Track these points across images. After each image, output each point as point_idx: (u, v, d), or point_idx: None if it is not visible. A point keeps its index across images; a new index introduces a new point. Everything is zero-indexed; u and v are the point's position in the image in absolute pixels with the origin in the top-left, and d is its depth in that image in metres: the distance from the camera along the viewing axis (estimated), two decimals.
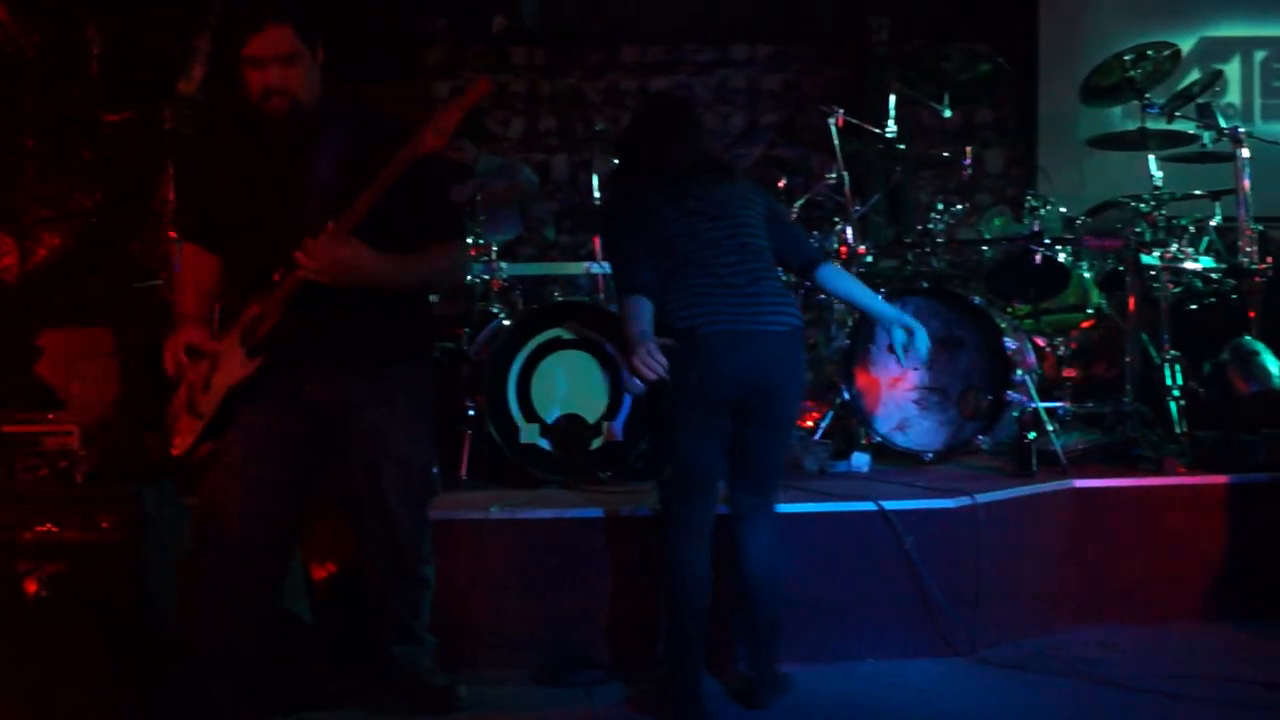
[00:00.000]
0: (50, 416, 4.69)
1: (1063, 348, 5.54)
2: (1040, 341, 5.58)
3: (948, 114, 5.82)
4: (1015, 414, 4.97)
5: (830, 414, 5.29)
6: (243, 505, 3.31)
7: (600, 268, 5.32)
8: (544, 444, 4.73)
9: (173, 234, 4.86)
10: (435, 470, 4.46)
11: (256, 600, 3.41)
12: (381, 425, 3.39)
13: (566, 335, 4.77)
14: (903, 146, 5.74)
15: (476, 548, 4.15)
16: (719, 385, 3.55)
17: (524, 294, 5.42)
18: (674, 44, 7.21)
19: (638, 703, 3.90)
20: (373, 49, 6.31)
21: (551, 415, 4.74)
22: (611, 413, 4.81)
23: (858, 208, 5.65)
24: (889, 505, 4.27)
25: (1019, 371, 5.02)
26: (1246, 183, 5.43)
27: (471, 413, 4.74)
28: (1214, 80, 5.90)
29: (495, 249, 5.18)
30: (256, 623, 3.44)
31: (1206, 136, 5.69)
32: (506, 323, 4.89)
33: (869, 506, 4.29)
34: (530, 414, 4.72)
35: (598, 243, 5.48)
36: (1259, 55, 7.47)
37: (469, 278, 5.04)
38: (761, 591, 3.78)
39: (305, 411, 3.35)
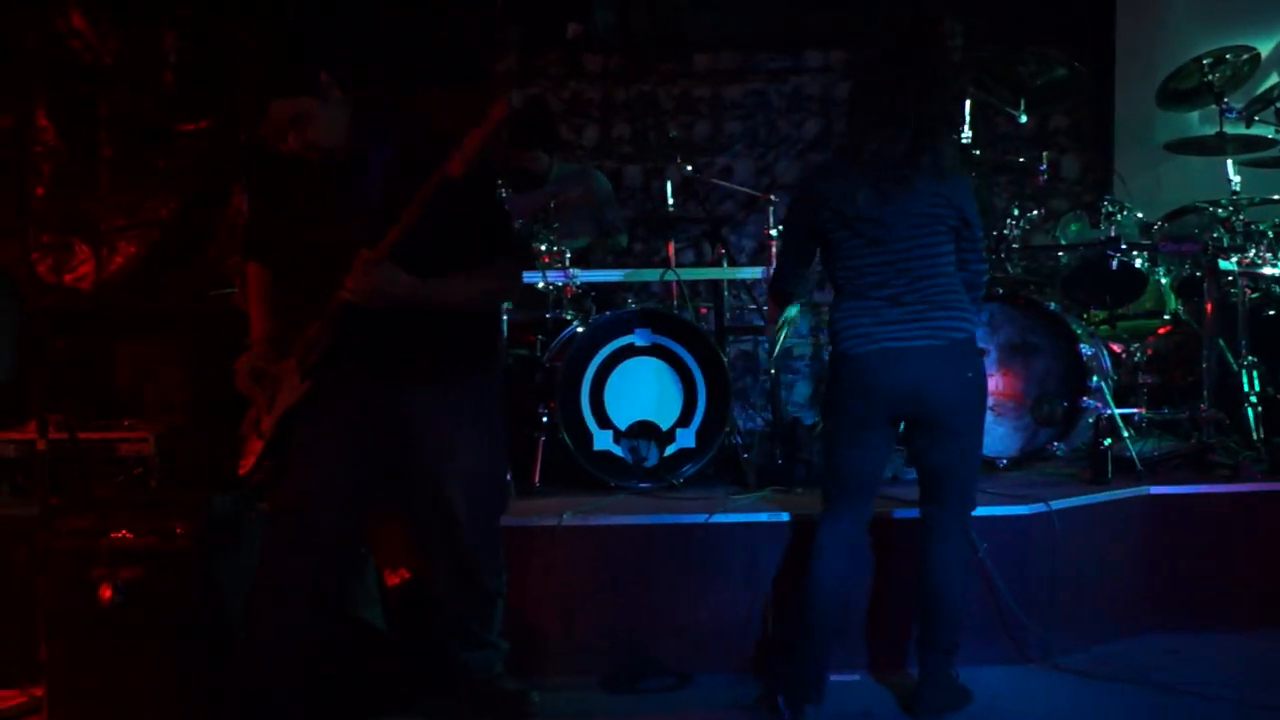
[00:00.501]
0: (126, 424, 4.81)
1: (1139, 354, 5.49)
2: (1116, 348, 5.54)
3: (1023, 119, 5.79)
4: (1091, 420, 4.94)
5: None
6: (308, 517, 3.37)
7: (673, 274, 5.35)
8: (618, 450, 4.78)
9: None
10: (508, 478, 4.54)
11: (320, 608, 3.47)
12: (448, 437, 3.42)
13: (640, 342, 4.82)
14: (978, 152, 5.71)
15: (549, 555, 4.19)
16: (864, 400, 3.62)
17: (597, 301, 5.46)
18: (747, 51, 7.23)
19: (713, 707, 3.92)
20: (447, 56, 6.38)
21: (625, 422, 4.79)
22: (685, 420, 4.85)
23: None
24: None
25: (1094, 378, 4.99)
26: None
27: (545, 419, 4.79)
28: None
29: (569, 255, 5.22)
30: (321, 631, 3.49)
31: None
32: (580, 329, 4.94)
33: None
34: (603, 420, 4.78)
35: (670, 249, 5.51)
36: None
37: (542, 285, 5.10)
38: (938, 602, 3.75)
39: (369, 426, 3.39)
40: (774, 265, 3.99)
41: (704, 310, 5.96)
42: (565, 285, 5.18)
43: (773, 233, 5.27)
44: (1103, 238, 5.41)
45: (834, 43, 7.23)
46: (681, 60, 7.23)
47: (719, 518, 4.25)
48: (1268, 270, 5.37)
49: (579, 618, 4.22)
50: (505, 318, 4.83)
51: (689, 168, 5.44)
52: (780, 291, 4.17)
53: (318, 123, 3.25)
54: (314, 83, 3.22)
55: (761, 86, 7.20)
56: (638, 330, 4.83)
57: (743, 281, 5.75)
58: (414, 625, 4.00)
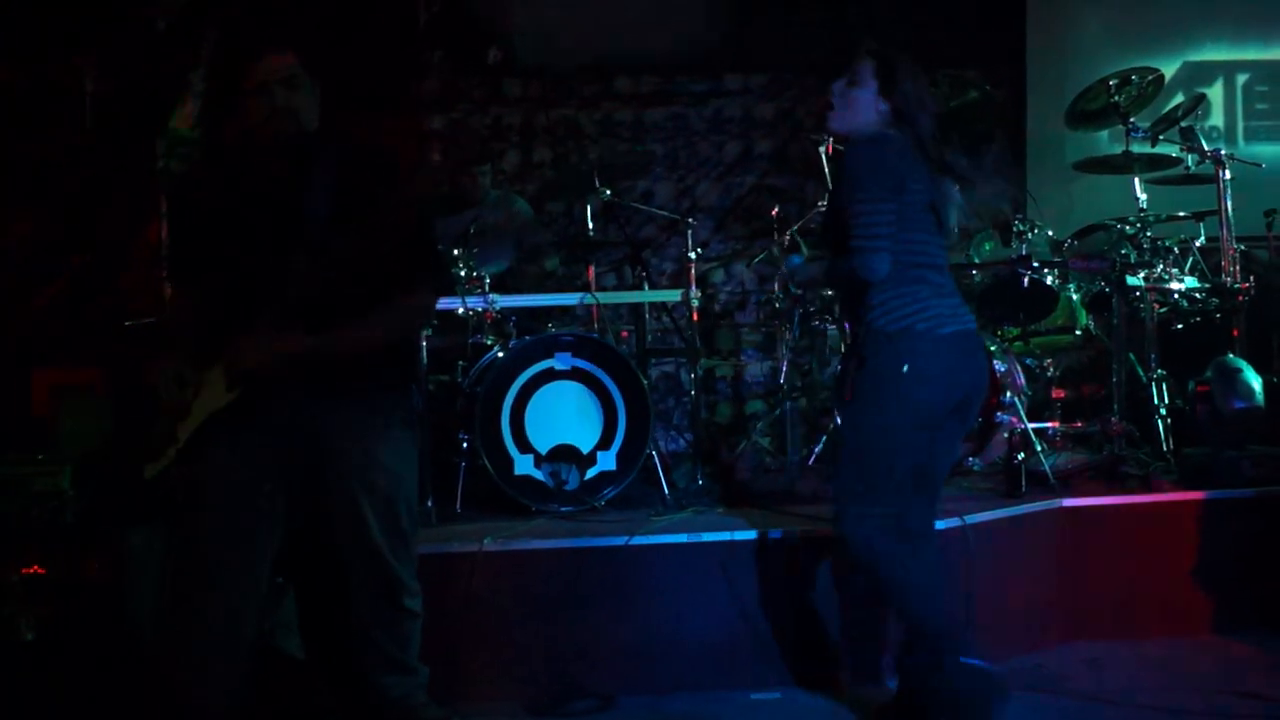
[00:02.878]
0: (40, 457, 4.73)
1: (1052, 369, 5.60)
2: (1029, 364, 5.63)
3: None
4: (1005, 435, 5.02)
5: (824, 438, 5.35)
6: (218, 541, 3.33)
7: (593, 298, 5.37)
8: (538, 475, 4.78)
9: (164, 273, 4.90)
10: (429, 504, 4.53)
11: (235, 636, 3.42)
12: (364, 457, 3.39)
13: (560, 366, 4.84)
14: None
15: (470, 580, 4.17)
16: (945, 384, 3.52)
17: (518, 326, 5.47)
18: (667, 74, 7.28)
19: None
20: (369, 80, 6.37)
21: (546, 446, 4.80)
22: (606, 442, 4.87)
23: None
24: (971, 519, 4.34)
25: (1008, 393, 5.08)
26: (1229, 204, 5.51)
27: (465, 445, 4.78)
28: (1197, 104, 5.97)
29: (489, 281, 5.23)
30: (236, 659, 3.44)
31: (1190, 159, 5.75)
32: (500, 355, 4.94)
33: (954, 522, 4.33)
34: (524, 445, 4.78)
35: (591, 273, 5.53)
36: (1241, 78, 7.54)
37: (461, 310, 5.10)
38: None
39: (286, 445, 3.36)
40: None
41: (625, 334, 5.99)
42: (485, 310, 5.18)
43: (692, 255, 5.31)
44: (1014, 256, 5.51)
45: (754, 66, 7.29)
46: (603, 83, 7.26)
47: (639, 539, 4.27)
48: (1174, 285, 5.49)
49: (501, 642, 4.20)
50: (424, 344, 4.82)
51: (608, 192, 5.44)
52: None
53: (305, 94, 3.25)
54: (312, 61, 3.24)
55: (683, 109, 7.25)
56: (557, 354, 4.84)
57: (664, 304, 5.77)
58: (333, 652, 3.98)
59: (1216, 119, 7.50)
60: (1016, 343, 5.69)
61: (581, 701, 4.12)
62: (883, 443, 3.47)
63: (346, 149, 3.39)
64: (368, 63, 6.41)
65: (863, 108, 3.52)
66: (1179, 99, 6.41)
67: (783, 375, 5.81)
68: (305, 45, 3.27)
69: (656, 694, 4.18)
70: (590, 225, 5.58)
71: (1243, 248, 5.58)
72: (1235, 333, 5.46)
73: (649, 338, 5.90)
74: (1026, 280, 5.39)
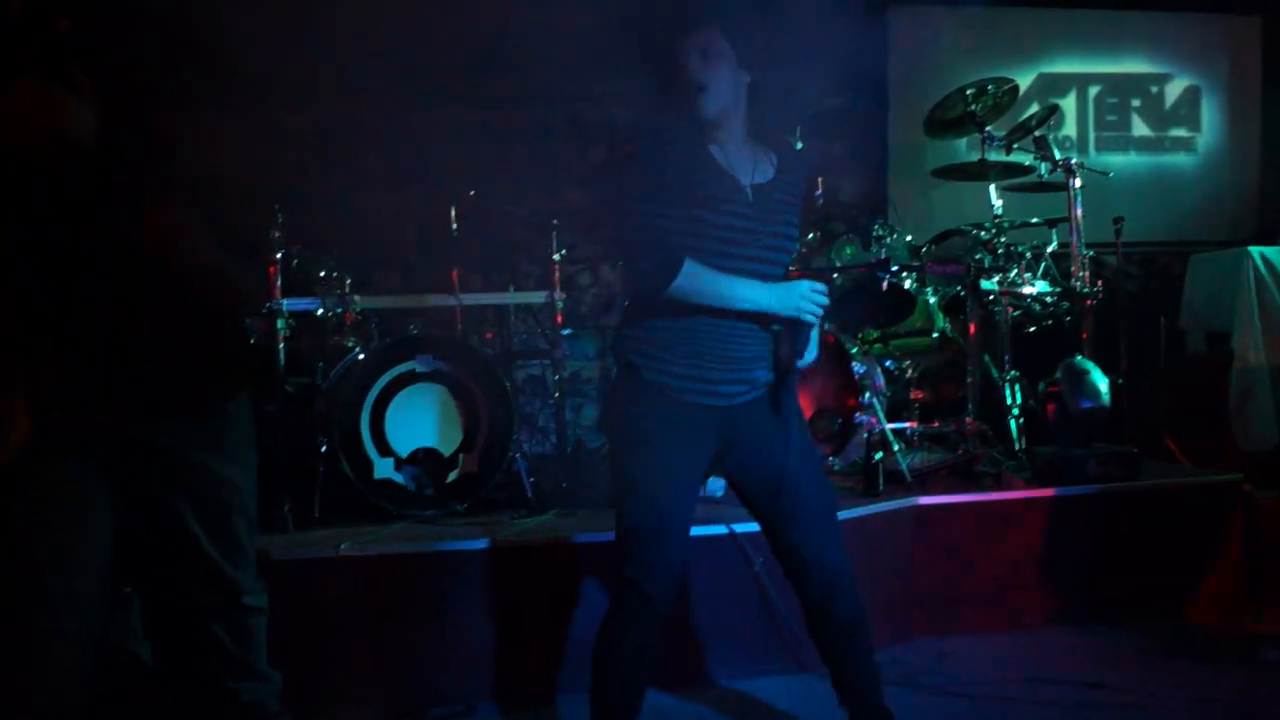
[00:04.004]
0: None
1: (910, 370, 5.70)
2: (889, 365, 5.73)
3: (799, 146, 5.95)
4: (864, 435, 5.11)
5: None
6: (49, 563, 3.21)
7: (456, 300, 5.33)
8: (399, 478, 4.73)
9: None
10: (286, 509, 4.45)
11: (71, 658, 3.30)
12: (195, 461, 3.29)
13: (421, 369, 4.80)
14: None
15: (328, 586, 4.12)
16: None
17: (380, 327, 5.41)
18: (534, 77, 7.23)
19: None
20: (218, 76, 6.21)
21: (407, 449, 4.75)
22: (468, 445, 4.84)
23: None
24: (739, 528, 4.35)
25: (867, 394, 5.17)
26: (1079, 211, 5.67)
27: (324, 449, 4.72)
28: (1050, 114, 6.14)
29: (349, 281, 5.17)
30: (74, 680, 3.33)
31: (1043, 167, 5.91)
32: (361, 356, 4.88)
33: (720, 530, 4.37)
34: (384, 448, 4.73)
35: (455, 275, 5.49)
36: (1093, 90, 7.77)
37: (321, 311, 5.03)
38: None
39: (111, 456, 3.26)
40: None
41: (490, 335, 5.97)
42: (345, 312, 5.12)
43: (556, 257, 5.31)
44: (874, 260, 5.61)
45: (618, 72, 7.28)
46: (470, 86, 7.20)
47: (500, 543, 4.25)
48: (1027, 289, 5.64)
49: (361, 649, 4.14)
50: (282, 346, 4.75)
51: (472, 192, 5.42)
52: None
53: (68, 111, 3.11)
54: (66, 73, 3.09)
55: (547, 113, 7.21)
56: (419, 356, 4.80)
57: (529, 306, 5.76)
58: (180, 658, 3.88)
59: (1069, 129, 7.72)
60: (876, 345, 5.78)
61: (442, 709, 4.11)
62: None
63: (157, 152, 3.27)
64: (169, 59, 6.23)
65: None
66: (1034, 109, 6.60)
67: None
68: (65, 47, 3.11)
69: (517, 700, 4.17)
70: (455, 226, 5.54)
71: (1092, 253, 5.73)
72: (1084, 335, 5.62)
73: (514, 340, 5.89)
74: (885, 284, 5.49)
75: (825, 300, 3.11)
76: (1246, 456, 5.68)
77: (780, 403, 3.22)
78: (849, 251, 6.01)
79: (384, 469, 4.73)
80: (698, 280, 2.97)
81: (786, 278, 3.18)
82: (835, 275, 5.78)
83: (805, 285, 3.09)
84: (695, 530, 4.22)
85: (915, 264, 5.69)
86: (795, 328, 3.14)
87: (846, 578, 3.30)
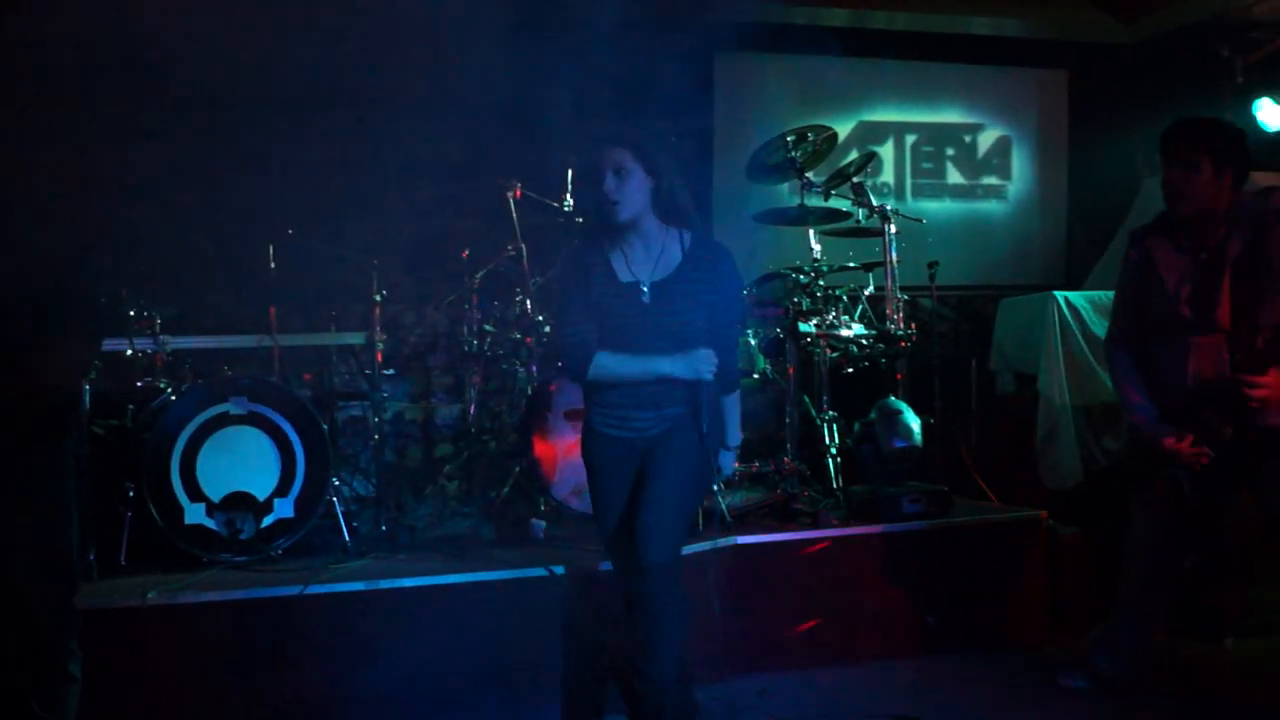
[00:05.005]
0: None
1: None
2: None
3: None
4: None
5: (511, 481, 5.36)
6: None
7: (272, 340, 5.24)
8: (211, 524, 4.62)
9: None
10: (91, 557, 4.31)
11: None
12: (10, 515, 3.20)
13: (235, 411, 4.69)
14: (581, 220, 5.88)
15: (134, 636, 4.01)
16: None
17: (195, 369, 5.28)
18: (361, 111, 7.15)
19: None
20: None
21: (219, 494, 4.64)
22: (283, 489, 4.75)
23: (537, 279, 5.77)
24: (560, 570, 4.35)
25: None
26: (894, 255, 5.84)
27: (131, 494, 4.57)
28: (868, 161, 6.29)
29: (160, 321, 5.04)
30: None
31: (860, 213, 6.05)
32: (173, 398, 4.76)
33: (540, 572, 4.36)
34: (195, 493, 4.61)
35: (273, 314, 5.39)
36: (910, 138, 8.04)
37: (130, 352, 4.89)
38: None
39: None
40: None
41: (308, 376, 5.87)
42: (155, 352, 4.98)
43: (377, 297, 5.26)
44: None
45: (448, 109, 7.24)
46: (293, 121, 7.07)
47: (314, 588, 4.18)
48: (844, 332, 5.76)
49: (169, 701, 4.03)
50: (88, 388, 4.59)
51: (290, 230, 5.34)
52: None
53: None
54: None
55: (373, 150, 7.11)
56: (233, 399, 4.71)
57: (350, 346, 5.68)
58: None
59: (887, 176, 7.97)
60: None
61: None
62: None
63: None
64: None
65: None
66: (853, 156, 6.76)
67: (471, 418, 5.79)
68: None
69: None
70: (273, 265, 5.44)
71: (907, 297, 5.90)
72: (899, 376, 5.77)
73: (335, 380, 5.80)
74: None
75: (716, 363, 3.74)
76: (1051, 493, 5.88)
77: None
78: None
79: (195, 514, 4.61)
80: (606, 369, 3.76)
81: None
82: None
83: (702, 353, 3.71)
84: (515, 574, 4.27)
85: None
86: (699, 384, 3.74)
87: (655, 578, 3.69)
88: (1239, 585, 5.10)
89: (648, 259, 3.78)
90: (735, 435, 4.05)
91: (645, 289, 3.75)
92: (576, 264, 3.83)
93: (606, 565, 4.23)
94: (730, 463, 4.05)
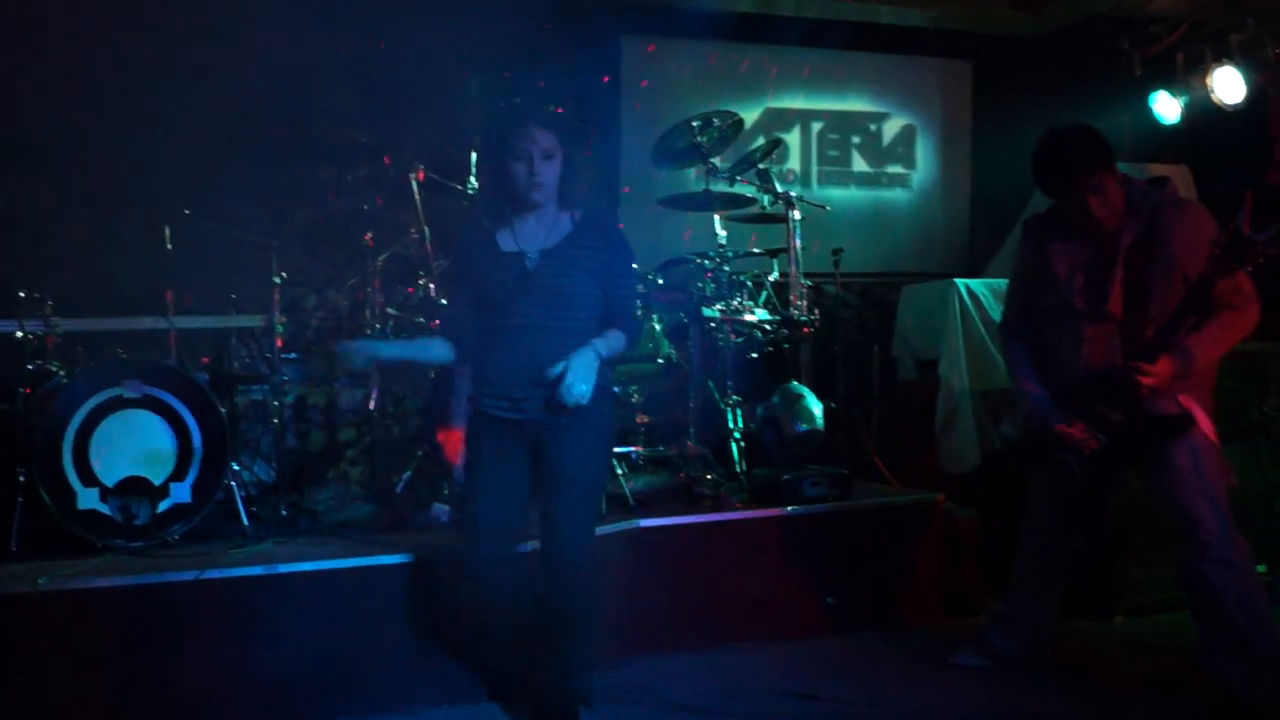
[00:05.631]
0: None
1: (636, 395, 5.77)
2: (615, 391, 5.79)
3: None
4: None
5: (414, 466, 5.33)
6: None
7: (168, 323, 5.14)
8: (105, 509, 4.53)
9: None
10: None
11: None
12: None
13: (130, 394, 4.61)
14: (476, 195, 5.82)
15: (24, 624, 3.92)
16: None
17: (89, 351, 5.16)
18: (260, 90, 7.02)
19: None
20: None
21: (114, 478, 4.56)
22: (180, 474, 4.67)
23: (440, 262, 5.73)
24: (460, 554, 4.31)
25: None
26: (798, 242, 5.88)
27: (22, 479, 4.47)
28: (773, 148, 6.29)
29: (50, 303, 4.92)
30: None
31: (765, 199, 6.09)
32: (65, 381, 4.65)
33: (440, 557, 4.34)
34: (89, 478, 4.52)
35: (169, 296, 5.30)
36: (816, 126, 8.10)
37: (20, 334, 4.78)
38: None
39: None
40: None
41: (206, 359, 5.78)
42: (47, 334, 4.87)
43: (277, 279, 5.19)
44: None
45: (349, 89, 7.14)
46: (189, 99, 6.93)
47: (211, 573, 4.11)
48: (749, 317, 5.79)
49: (61, 687, 3.94)
50: None
51: (186, 210, 5.24)
52: None
53: None
54: None
55: (273, 130, 7.00)
56: (127, 381, 4.61)
57: (250, 329, 5.60)
58: None
59: (793, 163, 8.02)
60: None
61: None
62: None
63: None
64: None
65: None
66: (760, 143, 6.78)
67: (373, 403, 5.74)
68: None
69: None
70: (170, 246, 5.34)
71: (811, 283, 5.94)
72: (802, 361, 5.81)
73: (235, 364, 5.71)
74: None
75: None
76: (949, 477, 5.98)
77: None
78: None
79: (88, 499, 4.52)
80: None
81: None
82: None
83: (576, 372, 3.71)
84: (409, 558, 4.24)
85: (641, 291, 5.76)
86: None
87: (569, 572, 3.81)
88: (1128, 566, 5.22)
89: (538, 231, 3.88)
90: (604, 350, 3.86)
91: (532, 256, 3.82)
92: (461, 243, 4.01)
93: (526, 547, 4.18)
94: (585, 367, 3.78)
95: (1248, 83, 7.01)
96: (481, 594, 3.87)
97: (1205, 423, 3.97)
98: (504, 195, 3.89)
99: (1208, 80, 7.14)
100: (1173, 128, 7.54)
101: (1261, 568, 5.25)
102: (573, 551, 3.80)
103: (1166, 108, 7.51)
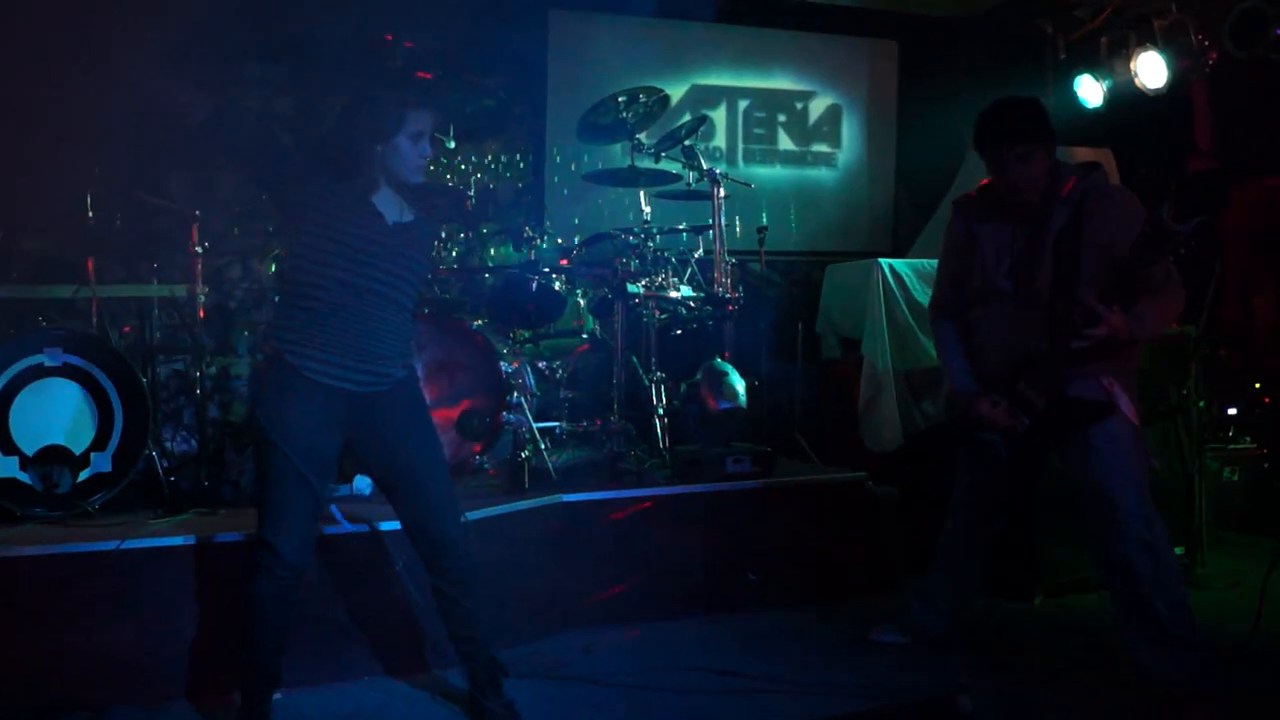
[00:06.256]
0: None
1: (560, 370, 5.81)
2: (540, 366, 5.82)
3: (451, 145, 5.95)
4: (512, 434, 5.19)
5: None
6: None
7: (89, 291, 5.09)
8: (24, 478, 4.50)
9: None
10: None
11: None
12: None
13: (50, 362, 4.57)
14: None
15: None
16: None
17: (6, 319, 5.11)
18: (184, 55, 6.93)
19: None
20: None
21: (33, 447, 4.52)
22: (100, 443, 4.64)
23: None
24: (384, 526, 4.34)
25: (515, 393, 5.24)
26: (723, 219, 5.94)
27: None
28: (699, 125, 6.36)
29: None
30: None
31: (690, 176, 6.14)
32: None
33: (363, 529, 4.36)
34: (8, 446, 4.49)
35: (90, 265, 5.24)
36: (743, 104, 8.12)
37: None
38: None
39: None
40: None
41: (128, 329, 5.72)
42: None
43: (198, 249, 5.16)
44: (524, 261, 5.69)
45: (274, 58, 7.07)
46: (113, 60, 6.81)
47: (131, 543, 4.10)
48: (673, 294, 5.85)
49: None
50: None
51: (108, 180, 5.19)
52: None
53: None
54: None
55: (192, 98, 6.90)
56: (47, 350, 4.57)
57: (173, 299, 5.54)
58: None
59: (719, 140, 8.04)
60: (528, 345, 5.87)
61: (69, 715, 3.93)
62: None
63: None
64: None
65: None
66: (686, 119, 6.82)
67: None
68: None
69: (150, 704, 4.04)
70: (91, 214, 5.28)
71: (735, 261, 6.01)
72: (725, 339, 5.87)
73: (158, 334, 5.66)
74: (535, 284, 5.57)
75: None
76: (872, 455, 6.06)
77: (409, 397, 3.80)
78: (502, 251, 6.07)
79: (8, 468, 4.50)
80: None
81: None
82: (487, 275, 5.83)
83: None
84: (339, 530, 4.26)
85: (565, 266, 5.79)
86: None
87: (463, 544, 3.83)
88: (1048, 547, 5.31)
89: (390, 207, 3.72)
90: None
91: (389, 223, 3.69)
92: (323, 191, 3.65)
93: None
94: None
95: (1170, 68, 7.14)
96: None
97: (1127, 405, 4.03)
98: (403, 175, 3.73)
99: (1131, 65, 7.27)
100: (1095, 112, 7.68)
101: (1179, 549, 5.40)
102: (456, 524, 3.84)
103: (1090, 91, 7.64)
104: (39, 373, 4.57)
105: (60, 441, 4.58)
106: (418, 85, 5.89)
